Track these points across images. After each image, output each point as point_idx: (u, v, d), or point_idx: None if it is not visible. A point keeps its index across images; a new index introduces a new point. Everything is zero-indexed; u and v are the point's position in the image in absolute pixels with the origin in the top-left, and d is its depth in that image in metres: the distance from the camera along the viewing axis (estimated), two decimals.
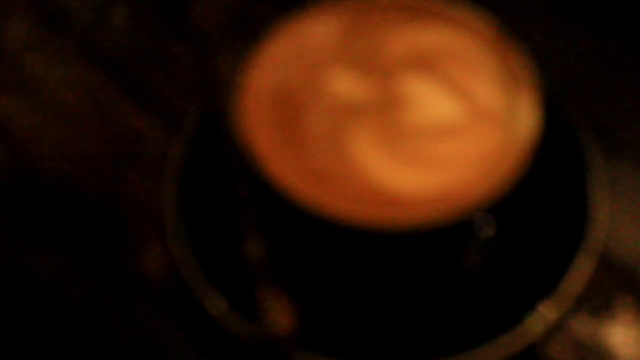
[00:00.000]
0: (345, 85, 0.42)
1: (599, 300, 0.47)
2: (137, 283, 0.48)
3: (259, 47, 0.43)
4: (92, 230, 0.50)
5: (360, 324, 0.43)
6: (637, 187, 0.51)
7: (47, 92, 0.55)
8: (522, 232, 0.46)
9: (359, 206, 0.39)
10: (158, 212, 0.48)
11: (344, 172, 0.40)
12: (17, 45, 0.56)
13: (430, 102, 0.42)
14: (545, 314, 0.44)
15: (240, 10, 0.58)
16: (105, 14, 0.58)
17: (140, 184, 0.51)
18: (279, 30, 0.44)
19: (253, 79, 0.42)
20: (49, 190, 0.51)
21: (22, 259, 0.49)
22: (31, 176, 0.52)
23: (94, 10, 0.58)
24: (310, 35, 0.44)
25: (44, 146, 0.53)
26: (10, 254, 0.50)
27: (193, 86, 0.54)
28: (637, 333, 0.46)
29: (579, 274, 0.45)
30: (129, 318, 0.48)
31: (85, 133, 0.53)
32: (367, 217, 0.38)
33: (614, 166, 0.51)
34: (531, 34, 0.48)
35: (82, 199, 0.51)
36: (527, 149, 0.41)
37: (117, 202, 0.51)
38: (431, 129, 0.41)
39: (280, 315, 0.42)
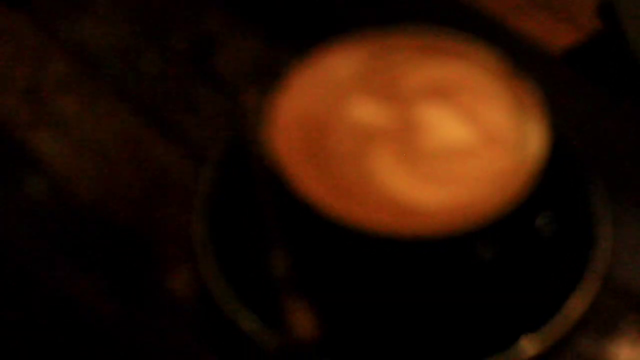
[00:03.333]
0: (366, 111, 0.46)
1: (605, 319, 0.50)
2: (167, 303, 0.51)
3: (287, 77, 0.47)
4: (125, 255, 0.53)
5: (379, 333, 0.46)
6: (636, 219, 0.54)
7: (81, 130, 0.58)
8: (527, 254, 0.49)
9: (379, 216, 0.42)
10: (186, 237, 0.51)
11: (367, 187, 0.43)
12: (54, 88, 0.60)
13: (444, 126, 0.45)
14: (544, 335, 0.46)
15: (263, 57, 0.62)
16: (136, 59, 0.61)
17: (169, 211, 0.54)
18: (305, 62, 0.48)
19: (281, 106, 0.46)
20: (84, 219, 0.55)
21: (59, 282, 0.52)
22: (67, 206, 0.55)
23: (125, 56, 0.61)
24: (333, 67, 0.47)
25: (79, 179, 0.56)
26: (47, 278, 0.52)
27: (218, 124, 0.58)
28: (637, 351, 0.49)
29: (584, 295, 0.48)
30: (160, 337, 0.50)
31: (117, 166, 0.57)
32: (386, 226, 0.41)
33: (618, 202, 0.54)
34: (542, 84, 0.51)
35: (115, 226, 0.54)
36: (535, 169, 0.44)
37: (147, 229, 0.54)
38: (446, 150, 0.44)
39: (306, 326, 0.45)
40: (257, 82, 0.59)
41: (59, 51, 0.62)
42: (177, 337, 0.50)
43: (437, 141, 0.45)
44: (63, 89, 0.60)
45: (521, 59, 0.49)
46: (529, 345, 0.46)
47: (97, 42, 0.62)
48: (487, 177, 0.44)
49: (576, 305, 0.47)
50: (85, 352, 0.50)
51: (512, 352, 0.46)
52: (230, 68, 0.61)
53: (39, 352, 0.50)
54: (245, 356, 0.48)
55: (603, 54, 0.82)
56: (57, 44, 0.62)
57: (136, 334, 0.50)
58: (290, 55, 0.60)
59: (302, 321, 0.45)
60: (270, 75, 0.60)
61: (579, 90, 0.60)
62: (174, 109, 0.59)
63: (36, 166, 0.57)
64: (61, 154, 0.57)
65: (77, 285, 0.52)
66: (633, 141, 0.59)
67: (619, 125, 0.59)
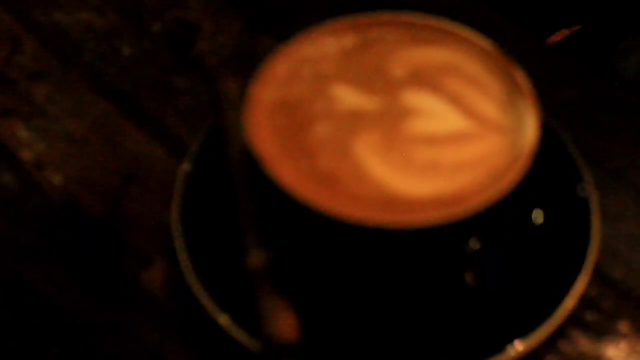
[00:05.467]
0: (350, 97, 0.44)
1: (598, 316, 0.48)
2: (141, 298, 0.49)
3: (267, 64, 0.45)
4: (97, 249, 0.51)
5: (363, 333, 0.44)
6: (631, 212, 0.53)
7: (53, 120, 0.56)
8: (517, 247, 0.47)
9: (364, 206, 0.40)
10: (161, 230, 0.49)
11: (350, 176, 0.41)
12: (25, 74, 0.58)
13: (433, 113, 0.43)
14: (533, 333, 0.44)
15: (244, 44, 0.60)
16: (112, 45, 0.59)
17: (143, 204, 0.52)
18: (285, 48, 0.45)
19: (262, 93, 0.44)
20: (55, 211, 0.52)
21: (29, 277, 0.50)
22: (38, 197, 0.53)
23: (101, 42, 0.59)
24: (315, 52, 0.45)
25: (51, 171, 0.54)
26: (17, 272, 0.50)
27: (197, 113, 0.56)
28: (633, 347, 0.47)
29: (576, 290, 0.46)
30: (132, 333, 0.48)
31: (92, 157, 0.54)
32: (371, 216, 0.39)
33: (610, 193, 0.53)
34: (530, 70, 0.49)
35: (87, 220, 0.52)
36: (528, 158, 0.42)
37: (121, 223, 0.51)
38: (433, 138, 0.42)
39: (283, 326, 0.43)
40: (237, 70, 0.57)
41: (32, 36, 0.60)
42: (151, 332, 0.48)
43: (424, 128, 0.43)
44: (36, 76, 0.58)
45: (510, 47, 0.48)
46: (518, 343, 0.44)
47: (72, 27, 0.60)
48: (478, 166, 0.42)
49: (568, 301, 0.46)
50: (56, 347, 0.48)
51: (500, 350, 0.44)
52: (210, 55, 0.59)
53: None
54: (216, 351, 0.46)
55: (593, 43, 0.81)
56: (31, 29, 0.60)
57: (109, 329, 0.48)
58: (272, 42, 0.58)
59: (280, 321, 0.43)
60: (250, 62, 0.58)
61: (569, 78, 0.59)
62: (151, 97, 0.57)
63: (6, 155, 0.54)
64: (33, 142, 0.55)
65: (46, 277, 0.50)
66: (625, 130, 0.57)
67: (609, 113, 0.57)
